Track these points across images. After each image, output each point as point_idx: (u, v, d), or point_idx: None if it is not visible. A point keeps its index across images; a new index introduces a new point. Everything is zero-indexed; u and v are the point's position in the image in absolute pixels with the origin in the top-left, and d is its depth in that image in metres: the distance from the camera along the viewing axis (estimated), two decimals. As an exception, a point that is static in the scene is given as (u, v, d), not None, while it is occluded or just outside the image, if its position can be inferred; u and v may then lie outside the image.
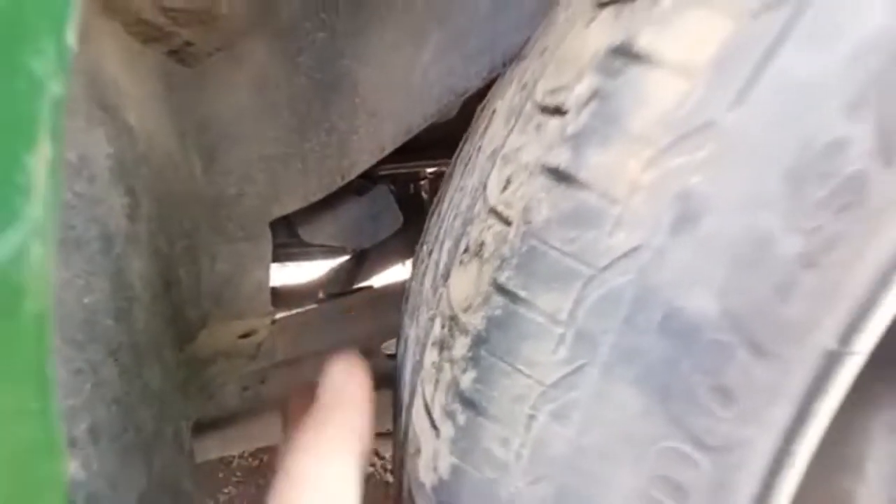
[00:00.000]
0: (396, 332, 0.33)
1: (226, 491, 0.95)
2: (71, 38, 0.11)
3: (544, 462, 0.19)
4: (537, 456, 0.19)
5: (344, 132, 0.51)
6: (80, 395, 0.26)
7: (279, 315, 0.64)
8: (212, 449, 0.59)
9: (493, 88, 0.35)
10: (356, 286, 0.81)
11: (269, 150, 0.50)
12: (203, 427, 0.56)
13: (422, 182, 0.89)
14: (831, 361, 0.20)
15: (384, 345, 0.67)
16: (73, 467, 0.20)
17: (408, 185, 0.86)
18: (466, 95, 0.47)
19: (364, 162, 0.51)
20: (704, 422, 0.18)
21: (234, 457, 0.98)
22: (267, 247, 0.52)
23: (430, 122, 0.50)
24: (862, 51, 0.15)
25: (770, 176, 0.16)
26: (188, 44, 0.43)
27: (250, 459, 1.00)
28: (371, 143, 0.52)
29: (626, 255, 0.17)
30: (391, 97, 0.50)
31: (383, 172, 0.74)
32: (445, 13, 0.47)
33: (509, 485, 0.19)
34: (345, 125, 0.51)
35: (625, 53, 0.18)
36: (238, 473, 0.97)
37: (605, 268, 0.18)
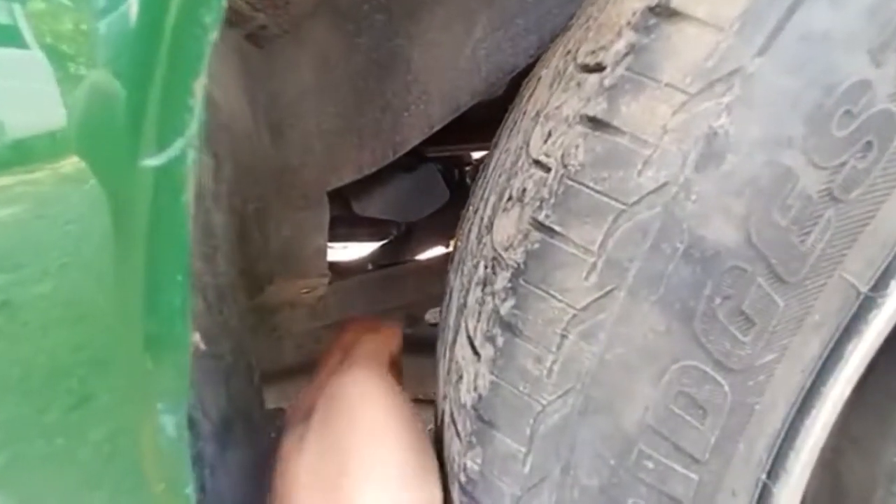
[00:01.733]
0: (439, 302, 0.36)
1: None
2: None
3: (573, 376, 0.21)
4: (566, 371, 0.21)
5: (397, 109, 0.55)
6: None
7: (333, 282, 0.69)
8: (270, 399, 0.65)
9: (539, 62, 0.37)
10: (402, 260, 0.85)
11: (328, 124, 0.55)
12: (264, 378, 0.62)
13: (467, 168, 0.91)
14: (860, 302, 0.21)
15: (428, 313, 0.71)
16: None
17: (453, 169, 0.89)
18: (514, 73, 0.49)
19: (415, 138, 0.55)
20: (725, 344, 0.20)
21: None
22: (325, 215, 0.56)
23: (479, 99, 0.53)
24: (879, 3, 0.16)
25: (793, 117, 0.18)
26: (262, 27, 0.48)
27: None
28: (422, 120, 0.55)
29: (653, 191, 0.19)
30: (441, 75, 0.53)
31: (431, 154, 0.77)
32: (493, 3, 0.49)
33: (541, 397, 0.22)
34: (398, 102, 0.54)
35: (660, 13, 0.20)
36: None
37: (635, 203, 0.20)
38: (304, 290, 0.53)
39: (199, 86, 0.13)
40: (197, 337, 0.20)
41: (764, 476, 0.24)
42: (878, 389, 0.37)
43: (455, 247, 0.39)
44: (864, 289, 0.21)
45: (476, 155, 0.86)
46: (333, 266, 0.89)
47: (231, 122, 0.44)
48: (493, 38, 0.51)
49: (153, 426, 0.17)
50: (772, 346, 0.20)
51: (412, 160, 0.72)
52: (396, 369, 0.35)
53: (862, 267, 0.20)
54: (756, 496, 0.24)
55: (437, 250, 0.88)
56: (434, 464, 0.27)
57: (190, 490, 0.21)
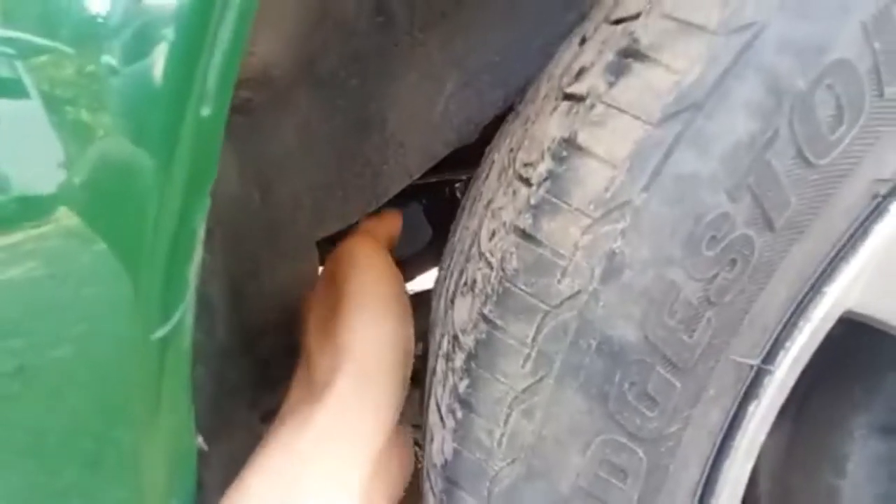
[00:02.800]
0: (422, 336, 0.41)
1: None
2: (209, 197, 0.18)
3: (517, 448, 0.25)
4: (512, 443, 0.26)
5: (376, 163, 0.59)
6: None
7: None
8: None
9: (497, 135, 0.41)
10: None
11: (314, 181, 0.59)
12: (268, 416, 0.66)
13: (457, 185, 0.95)
14: (753, 373, 0.26)
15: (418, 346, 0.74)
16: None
17: (442, 190, 0.92)
18: (484, 124, 0.53)
19: (396, 187, 0.59)
20: (635, 420, 0.24)
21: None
22: (315, 262, 0.60)
23: (452, 148, 0.57)
24: (732, 152, 0.21)
25: (672, 241, 0.22)
26: (247, 100, 0.52)
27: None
28: (400, 171, 0.59)
29: (570, 297, 0.24)
30: (416, 130, 0.57)
31: (417, 183, 0.81)
32: (461, 57, 0.54)
33: (493, 464, 0.26)
34: (377, 157, 0.59)
35: (570, 145, 0.24)
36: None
37: (557, 306, 0.24)
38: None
39: (193, 267, 0.18)
40: (200, 439, 0.24)
41: (690, 519, 0.28)
42: (813, 421, 0.42)
43: (433, 303, 0.43)
44: (755, 362, 0.25)
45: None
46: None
47: (218, 191, 0.48)
48: (461, 94, 0.55)
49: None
50: (675, 418, 0.24)
51: (396, 199, 0.77)
52: (392, 248, 0.42)
53: (748, 348, 0.25)
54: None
55: (425, 279, 0.92)
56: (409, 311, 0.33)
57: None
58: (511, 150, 0.31)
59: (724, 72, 0.21)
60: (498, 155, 0.35)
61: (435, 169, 0.60)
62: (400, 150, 0.58)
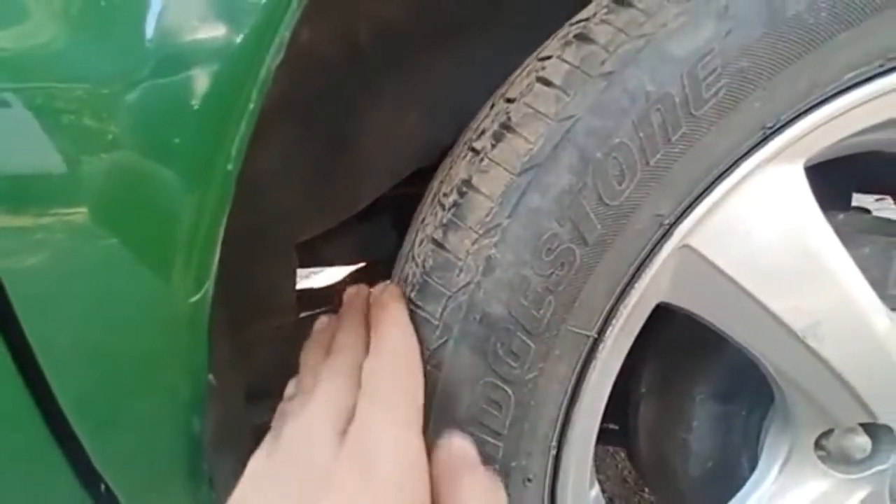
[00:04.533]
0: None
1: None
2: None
3: (429, 388, 0.37)
4: (426, 385, 0.37)
5: (349, 179, 0.70)
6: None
7: (303, 314, 0.84)
8: (253, 415, 0.79)
9: (438, 169, 0.53)
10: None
11: (294, 197, 0.69)
12: (254, 397, 0.76)
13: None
14: (590, 342, 0.38)
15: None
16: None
17: (409, 203, 1.04)
18: (442, 147, 0.65)
19: (365, 200, 0.71)
20: (506, 369, 0.36)
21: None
22: (294, 264, 0.71)
23: (416, 167, 0.69)
24: (559, 195, 0.33)
25: (526, 250, 0.34)
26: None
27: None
28: (371, 186, 0.71)
29: (464, 286, 0.36)
30: (384, 153, 0.69)
31: (386, 194, 0.93)
32: (423, 93, 0.65)
33: (414, 402, 0.38)
34: (350, 175, 0.70)
35: (468, 185, 0.36)
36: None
37: (455, 292, 0.36)
38: (276, 327, 0.68)
39: (217, 252, 0.29)
40: (210, 377, 0.35)
41: (553, 444, 0.40)
42: (672, 389, 0.55)
43: None
44: (591, 334, 0.38)
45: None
46: (304, 297, 1.03)
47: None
48: (423, 122, 0.68)
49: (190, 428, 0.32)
50: (532, 368, 0.36)
51: (367, 207, 0.87)
52: None
53: (583, 322, 0.37)
54: (549, 457, 0.40)
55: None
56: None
57: (205, 468, 0.36)
58: (440, 182, 0.44)
59: (556, 144, 0.33)
60: (434, 184, 0.47)
61: (403, 184, 0.71)
62: (370, 168, 0.70)
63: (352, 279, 1.07)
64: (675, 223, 0.36)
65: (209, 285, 0.29)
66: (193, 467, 0.35)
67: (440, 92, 0.66)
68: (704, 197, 0.36)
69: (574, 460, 0.42)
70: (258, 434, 0.38)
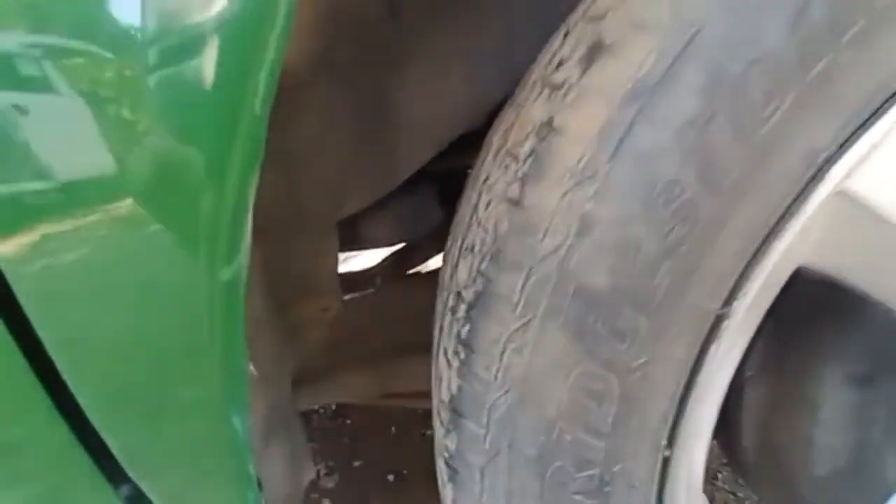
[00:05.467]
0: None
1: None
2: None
3: (510, 380, 0.31)
4: (505, 376, 0.31)
5: (390, 148, 0.64)
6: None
7: (347, 296, 0.79)
8: (301, 401, 0.76)
9: (495, 122, 0.46)
10: (409, 272, 0.95)
11: (333, 166, 0.64)
12: (297, 384, 0.73)
13: (469, 172, 1.00)
14: (713, 317, 0.30)
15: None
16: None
17: (455, 177, 0.97)
18: (489, 109, 0.58)
19: (408, 171, 0.64)
20: (609, 353, 0.29)
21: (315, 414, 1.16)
22: (335, 241, 0.66)
23: (461, 132, 0.62)
24: (681, 128, 0.25)
25: (635, 203, 0.27)
26: (271, 92, 0.57)
27: (330, 421, 1.18)
28: (413, 154, 0.64)
29: (551, 252, 0.29)
30: (426, 117, 0.62)
31: (430, 169, 0.86)
32: (465, 48, 0.58)
33: (490, 395, 0.32)
34: (390, 142, 0.64)
35: (549, 127, 0.29)
36: (318, 433, 1.15)
37: (540, 261, 0.29)
38: (321, 309, 0.63)
39: (249, 225, 0.23)
40: (251, 367, 0.30)
41: (664, 443, 0.33)
42: (793, 371, 0.46)
43: (440, 275, 0.48)
44: (715, 308, 0.30)
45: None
46: (345, 279, 0.99)
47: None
48: (467, 84, 0.60)
49: (229, 426, 0.27)
50: (642, 352, 0.29)
51: (410, 181, 0.81)
52: None
53: (704, 295, 0.29)
54: (659, 458, 0.33)
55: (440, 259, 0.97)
56: None
57: (252, 468, 0.31)
58: (505, 132, 0.36)
59: (673, 61, 0.25)
60: (495, 137, 0.40)
61: (448, 156, 0.64)
62: (411, 136, 0.63)
63: (391, 262, 1.02)
64: (831, 161, 0.28)
65: (242, 260, 0.23)
66: (238, 468, 0.30)
67: (484, 45, 0.58)
68: (874, 123, 0.27)
69: (687, 461, 0.34)
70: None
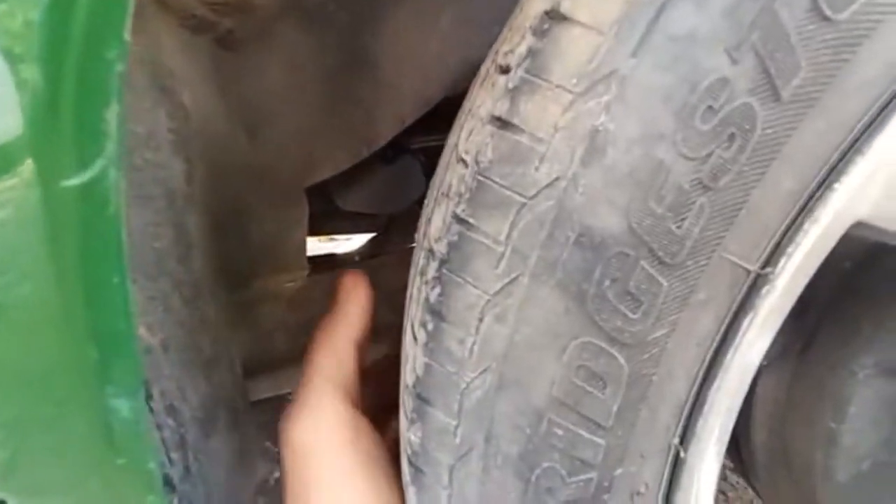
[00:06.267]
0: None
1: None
2: (127, 35, 0.16)
3: (488, 356, 0.23)
4: (483, 352, 0.24)
5: (368, 105, 0.56)
6: (154, 315, 0.33)
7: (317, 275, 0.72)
8: (262, 389, 0.69)
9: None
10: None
11: (302, 123, 0.57)
12: (256, 370, 0.65)
13: None
14: (750, 280, 0.23)
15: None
16: (147, 370, 0.27)
17: (436, 159, 0.90)
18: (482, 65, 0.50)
19: (388, 133, 0.56)
20: (616, 321, 0.22)
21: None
22: (304, 210, 0.59)
23: (449, 93, 0.54)
24: (734, 5, 0.18)
25: (663, 113, 0.19)
26: (230, 31, 0.49)
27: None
28: (393, 115, 0.57)
29: (548, 185, 0.21)
30: (410, 70, 0.54)
31: (415, 146, 0.79)
32: None
33: (464, 376, 0.24)
34: (368, 99, 0.56)
35: (553, 17, 0.22)
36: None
37: (533, 196, 0.22)
38: (287, 282, 0.56)
39: (112, 113, 0.16)
40: (142, 330, 0.22)
41: (676, 441, 0.26)
42: (817, 360, 0.39)
43: (418, 225, 0.41)
44: (752, 268, 0.23)
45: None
46: (325, 259, 0.92)
47: (204, 126, 0.46)
48: (458, 32, 0.52)
49: (104, 408, 0.19)
50: (661, 322, 0.22)
51: (392, 152, 0.74)
52: (363, 353, 0.40)
53: (745, 248, 0.22)
54: (669, 460, 0.26)
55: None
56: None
57: (153, 466, 0.24)
58: (495, 52, 0.29)
59: None
60: (483, 66, 0.33)
61: (434, 128, 0.57)
62: (392, 93, 0.56)
63: (371, 242, 0.95)
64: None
65: (105, 165, 0.16)
66: (130, 465, 0.23)
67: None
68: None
69: (702, 462, 0.27)
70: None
